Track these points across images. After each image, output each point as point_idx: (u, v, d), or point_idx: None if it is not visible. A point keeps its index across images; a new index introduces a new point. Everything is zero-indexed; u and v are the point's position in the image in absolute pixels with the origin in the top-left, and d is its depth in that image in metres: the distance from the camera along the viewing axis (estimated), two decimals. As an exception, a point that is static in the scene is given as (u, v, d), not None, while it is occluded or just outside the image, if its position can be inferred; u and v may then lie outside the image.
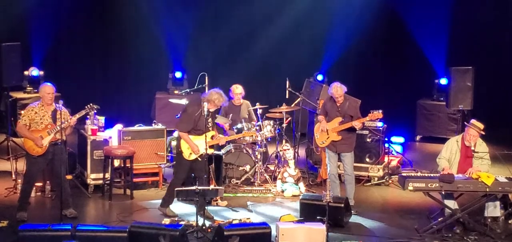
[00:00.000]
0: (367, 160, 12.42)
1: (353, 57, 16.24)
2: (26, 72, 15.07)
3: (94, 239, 9.11)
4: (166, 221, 10.13)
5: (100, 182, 11.59)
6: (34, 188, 10.96)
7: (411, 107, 15.80)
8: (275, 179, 12.12)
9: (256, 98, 12.89)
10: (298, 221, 9.98)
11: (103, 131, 11.90)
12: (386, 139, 12.65)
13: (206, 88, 12.38)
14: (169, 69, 16.20)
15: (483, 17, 15.90)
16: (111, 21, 16.26)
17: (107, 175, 11.45)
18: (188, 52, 16.47)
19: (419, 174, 11.40)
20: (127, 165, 11.56)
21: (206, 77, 12.64)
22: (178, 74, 16.09)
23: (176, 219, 10.32)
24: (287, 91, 12.86)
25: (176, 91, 15.78)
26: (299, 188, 11.79)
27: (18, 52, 13.89)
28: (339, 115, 10.92)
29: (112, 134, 11.93)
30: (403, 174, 10.61)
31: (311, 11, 16.33)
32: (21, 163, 11.35)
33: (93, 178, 11.65)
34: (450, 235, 9.96)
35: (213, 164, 11.39)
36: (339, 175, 11.39)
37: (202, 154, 10.49)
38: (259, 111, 12.55)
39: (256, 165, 12.11)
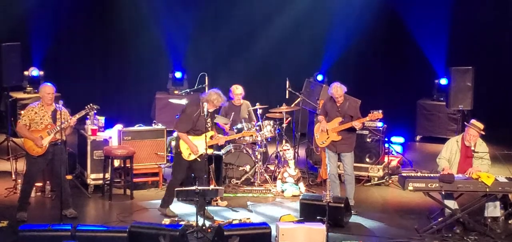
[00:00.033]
0: (367, 160, 12.42)
1: (353, 57, 16.24)
2: (26, 72, 15.07)
3: (94, 239, 9.12)
4: (166, 221, 10.13)
5: (100, 182, 11.59)
6: (34, 188, 10.95)
7: (411, 107, 15.80)
8: (275, 179, 12.12)
9: (256, 98, 12.89)
10: (298, 221, 9.98)
11: (103, 131, 11.90)
12: (386, 139, 12.65)
13: (206, 88, 12.38)
14: (169, 69, 16.20)
15: (483, 17, 15.90)
16: (111, 21, 16.26)
17: (107, 175, 11.45)
18: (188, 52, 16.47)
19: (419, 174, 11.39)
20: (127, 165, 11.56)
21: (206, 77, 12.64)
22: (178, 74, 16.08)
23: (176, 219, 10.32)
24: (287, 91, 12.85)
25: (176, 92, 15.78)
26: (299, 188, 11.79)
27: (18, 52, 13.89)
28: (339, 116, 10.91)
29: (112, 134, 11.93)
30: (403, 174, 10.61)
31: (311, 11, 16.33)
32: (21, 163, 11.35)
33: (93, 178, 11.65)
34: (450, 235, 9.96)
35: (213, 164, 11.39)
36: (339, 175, 11.38)
37: (201, 154, 10.49)
38: (259, 111, 12.55)
39: (256, 165, 12.11)
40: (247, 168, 12.13)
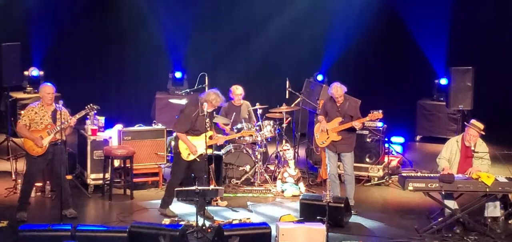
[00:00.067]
0: (367, 160, 12.42)
1: (353, 57, 16.24)
2: (26, 72, 15.07)
3: (94, 239, 9.11)
4: (166, 221, 10.13)
5: (100, 182, 11.59)
6: (34, 188, 10.95)
7: (411, 108, 15.80)
8: (275, 179, 12.12)
9: (256, 98, 12.89)
10: (298, 221, 9.98)
11: (103, 131, 11.90)
12: (386, 139, 12.65)
13: (206, 88, 12.38)
14: (169, 69, 16.19)
15: (483, 17, 15.89)
16: (110, 21, 16.25)
17: (107, 175, 11.45)
18: (188, 52, 16.46)
19: (419, 174, 11.39)
20: (127, 165, 11.56)
21: (206, 77, 12.63)
22: (178, 74, 16.08)
23: (176, 219, 10.31)
24: (287, 91, 12.85)
25: (176, 92, 15.78)
26: (299, 188, 11.79)
27: (18, 52, 13.89)
28: (339, 116, 10.91)
29: (112, 134, 11.93)
30: (403, 174, 10.61)
31: (311, 11, 16.32)
32: (21, 163, 11.35)
33: (93, 178, 11.65)
34: (450, 235, 9.96)
35: (213, 164, 11.39)
36: (339, 175, 11.38)
37: (201, 154, 10.49)
38: (259, 111, 12.55)
39: (256, 165, 12.11)
40: (247, 168, 12.13)
